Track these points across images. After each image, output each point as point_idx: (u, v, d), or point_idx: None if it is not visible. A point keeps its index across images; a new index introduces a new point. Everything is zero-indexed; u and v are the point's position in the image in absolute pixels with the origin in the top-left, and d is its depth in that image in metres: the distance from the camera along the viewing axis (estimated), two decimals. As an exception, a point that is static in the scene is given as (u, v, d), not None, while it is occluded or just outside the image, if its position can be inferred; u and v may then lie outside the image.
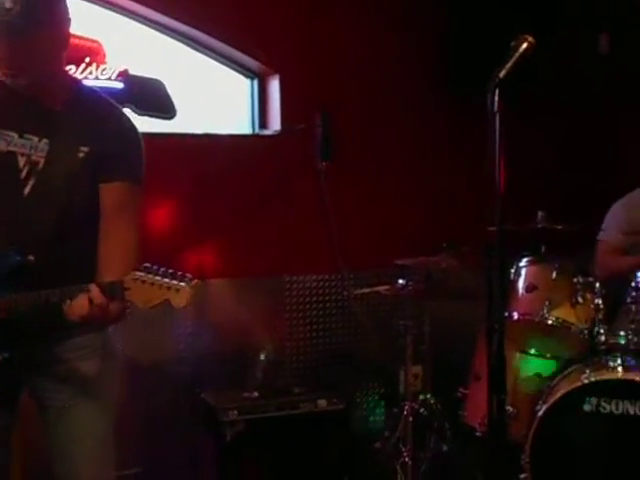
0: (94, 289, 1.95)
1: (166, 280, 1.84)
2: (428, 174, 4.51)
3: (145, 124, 3.87)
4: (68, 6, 2.19)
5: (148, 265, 1.87)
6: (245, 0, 4.08)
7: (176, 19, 3.97)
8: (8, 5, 2.03)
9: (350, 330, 4.36)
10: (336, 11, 4.30)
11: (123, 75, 3.82)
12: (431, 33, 4.44)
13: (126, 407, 3.76)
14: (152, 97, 3.89)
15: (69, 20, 2.18)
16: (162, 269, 1.86)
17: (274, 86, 4.24)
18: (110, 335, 2.36)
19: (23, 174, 2.15)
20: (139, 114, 3.86)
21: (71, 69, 3.67)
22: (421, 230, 4.34)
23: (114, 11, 3.93)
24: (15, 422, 2.38)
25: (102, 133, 2.16)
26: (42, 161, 2.14)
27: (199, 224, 3.99)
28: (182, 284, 1.84)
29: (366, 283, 4.00)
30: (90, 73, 3.74)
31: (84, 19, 3.78)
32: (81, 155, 2.14)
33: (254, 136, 4.32)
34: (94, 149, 2.14)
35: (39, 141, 2.15)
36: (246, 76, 4.32)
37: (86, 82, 3.58)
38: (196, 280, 1.87)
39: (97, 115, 2.20)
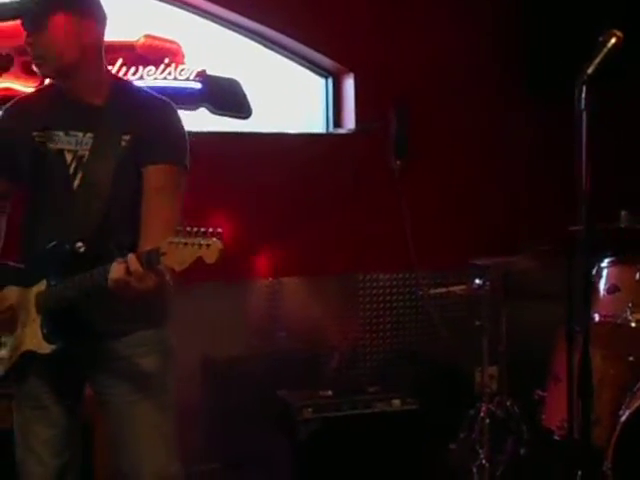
0: (130, 257, 1.98)
1: (197, 239, 1.86)
2: (506, 172, 4.45)
3: (221, 123, 3.98)
4: (100, 3, 2.26)
5: (179, 228, 1.89)
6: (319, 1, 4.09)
7: (251, 18, 4.01)
8: None
9: (424, 329, 4.33)
10: (411, 7, 4.27)
11: (201, 75, 3.87)
12: (511, 27, 4.37)
13: (202, 404, 3.87)
14: (228, 97, 3.94)
15: (98, 14, 2.25)
16: (192, 229, 1.87)
17: (348, 84, 4.24)
18: (168, 332, 2.38)
19: (71, 169, 2.23)
20: (215, 113, 3.95)
21: (150, 70, 3.77)
22: (498, 229, 4.28)
23: (192, 12, 3.98)
24: (78, 417, 2.41)
25: (142, 121, 2.22)
26: (87, 154, 2.22)
27: (273, 222, 4.01)
28: (213, 239, 1.85)
29: (440, 282, 3.97)
30: (169, 73, 3.80)
31: (163, 20, 3.90)
32: (124, 144, 2.21)
33: (328, 135, 4.33)
34: (135, 136, 2.21)
35: (84, 136, 2.23)
36: (320, 75, 4.33)
37: (163, 83, 3.75)
38: (221, 232, 1.87)
39: (136, 105, 2.26)
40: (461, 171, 4.39)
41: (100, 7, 2.27)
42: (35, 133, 2.24)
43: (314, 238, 4.09)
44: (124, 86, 2.37)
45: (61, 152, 2.23)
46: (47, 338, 2.18)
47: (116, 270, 1.98)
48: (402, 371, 4.14)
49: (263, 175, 3.96)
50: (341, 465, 3.62)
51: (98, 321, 2.22)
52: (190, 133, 3.77)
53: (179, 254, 1.86)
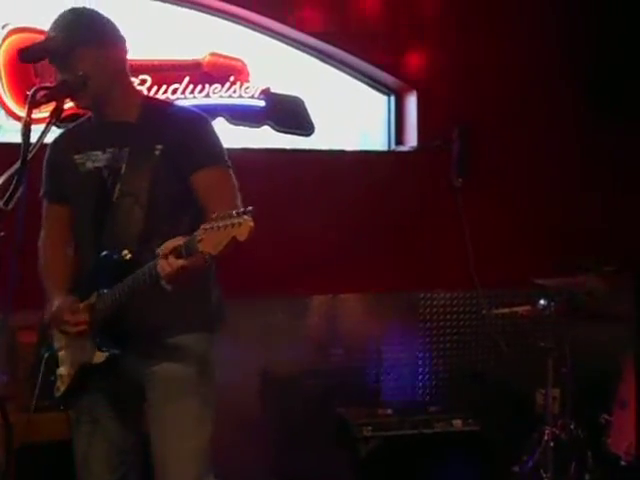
0: (166, 252, 2.01)
1: (229, 220, 1.89)
2: (570, 191, 4.37)
3: (284, 141, 4.01)
4: (116, 28, 2.34)
5: (214, 215, 1.92)
6: (382, 17, 4.11)
7: (314, 36, 4.03)
8: (51, 34, 2.24)
9: (485, 349, 4.27)
10: (475, 26, 4.24)
11: (265, 93, 3.91)
12: (575, 46, 4.32)
13: (261, 419, 3.88)
14: (291, 114, 3.97)
15: (117, 40, 2.32)
16: (225, 212, 1.90)
17: (411, 102, 4.23)
18: (211, 340, 2.40)
19: (109, 182, 2.31)
20: (279, 131, 3.98)
21: (216, 87, 3.81)
22: (563, 248, 4.20)
23: (256, 30, 4.02)
24: (137, 431, 2.44)
25: (174, 130, 2.29)
26: (124, 166, 2.30)
27: (333, 239, 4.00)
28: (244, 217, 1.88)
29: (502, 302, 3.92)
30: (234, 91, 3.85)
31: (228, 39, 3.94)
32: (157, 153, 2.28)
33: (390, 152, 4.32)
34: (168, 146, 2.28)
35: (119, 151, 2.32)
36: (383, 92, 4.32)
37: (228, 100, 3.79)
38: (251, 209, 1.90)
39: (167, 117, 2.34)
40: (523, 189, 4.35)
41: (116, 31, 2.34)
42: (76, 157, 2.34)
43: (374, 255, 4.08)
44: (154, 103, 2.51)
45: (99, 169, 2.32)
46: (100, 347, 2.24)
47: (162, 268, 2.02)
48: (463, 391, 4.10)
49: (324, 192, 3.97)
50: (399, 485, 3.59)
51: (143, 325, 2.26)
52: (252, 150, 3.82)
53: (214, 237, 1.89)
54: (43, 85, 2.09)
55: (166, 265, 1.99)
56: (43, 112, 3.48)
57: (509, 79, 4.28)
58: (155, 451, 2.33)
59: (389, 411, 3.75)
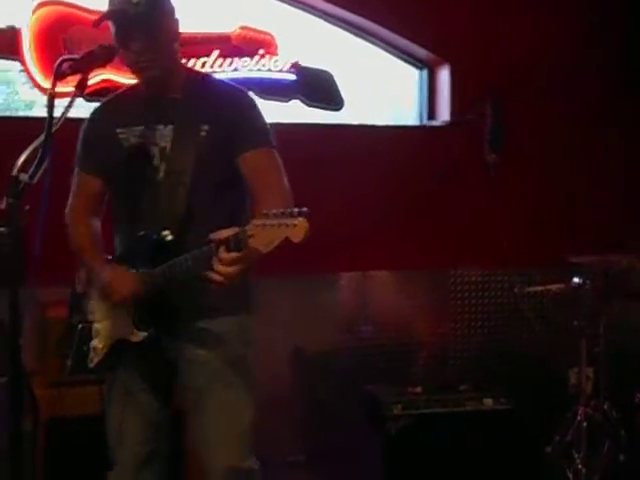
0: (221, 252, 1.97)
1: (283, 219, 1.86)
2: (606, 167, 4.30)
3: (314, 115, 3.98)
4: None
5: (266, 211, 1.89)
6: None
7: (344, 8, 3.98)
8: (134, 0, 2.15)
9: (518, 327, 4.22)
10: None
11: (294, 67, 3.87)
12: (613, 18, 4.24)
13: (291, 396, 3.87)
14: (321, 88, 3.93)
15: (175, 11, 2.29)
16: (278, 211, 1.87)
17: (444, 76, 4.17)
18: (250, 321, 2.38)
19: (155, 161, 2.27)
20: (308, 105, 3.95)
21: (245, 61, 3.78)
22: (598, 226, 4.14)
23: (285, 3, 3.97)
24: (168, 406, 2.42)
25: (220, 111, 2.26)
26: (169, 145, 2.26)
27: (363, 215, 3.97)
28: (299, 219, 1.84)
29: (535, 280, 3.87)
30: (263, 65, 3.82)
31: (257, 12, 3.89)
32: (203, 134, 2.25)
33: (422, 127, 4.27)
34: (214, 126, 2.25)
35: (164, 128, 2.27)
36: (415, 66, 4.28)
37: (258, 74, 3.75)
38: (306, 211, 1.85)
39: (213, 95, 2.30)
40: (559, 165, 4.27)
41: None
42: (119, 130, 2.30)
43: (405, 232, 4.05)
44: (198, 77, 2.43)
45: (144, 145, 2.28)
46: (138, 326, 2.22)
47: (215, 265, 1.98)
48: (494, 370, 4.05)
49: (354, 168, 3.93)
50: (429, 463, 3.57)
51: (185, 307, 2.24)
52: (282, 125, 3.79)
53: (266, 235, 1.86)
54: (68, 56, 2.05)
55: (217, 262, 1.96)
56: (71, 85, 3.63)
57: (544, 51, 4.19)
58: (198, 434, 2.33)
59: (419, 389, 3.71)
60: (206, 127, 2.24)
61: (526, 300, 4.07)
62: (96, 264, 2.33)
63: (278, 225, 1.84)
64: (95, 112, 2.42)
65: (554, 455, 3.52)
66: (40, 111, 3.69)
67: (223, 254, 1.95)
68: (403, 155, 4.01)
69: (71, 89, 3.49)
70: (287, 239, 1.84)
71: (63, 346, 2.41)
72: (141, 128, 2.28)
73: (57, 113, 1.93)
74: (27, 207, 1.82)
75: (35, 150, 1.87)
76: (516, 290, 4.05)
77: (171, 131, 2.26)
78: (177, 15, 2.29)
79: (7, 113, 3.75)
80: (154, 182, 2.26)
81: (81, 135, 2.40)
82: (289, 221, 1.83)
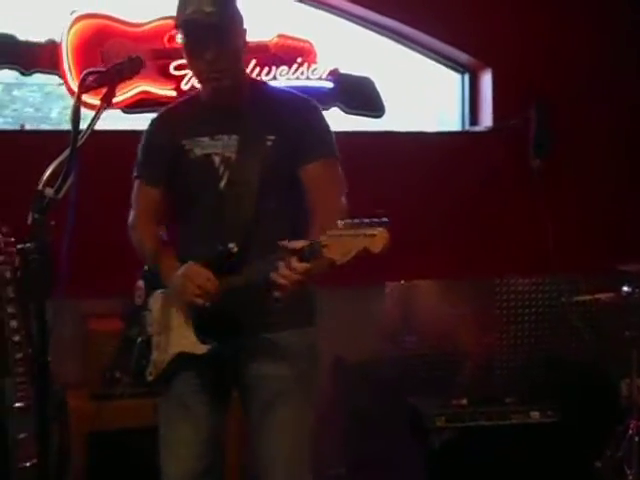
0: (292, 259, 1.93)
1: (360, 229, 1.80)
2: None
3: (354, 122, 3.94)
4: None
5: (340, 221, 1.84)
6: None
7: (384, 14, 3.95)
8: (208, 9, 2.12)
9: (565, 337, 4.12)
10: None
11: (333, 74, 3.84)
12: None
13: (332, 407, 3.83)
14: (361, 95, 3.90)
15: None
16: (355, 220, 1.82)
17: (486, 80, 4.12)
18: (316, 335, 2.32)
19: (220, 171, 2.24)
20: (348, 112, 3.92)
21: (283, 69, 3.77)
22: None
23: (324, 10, 3.96)
24: (224, 420, 2.39)
25: (286, 120, 2.22)
26: (234, 155, 2.23)
27: (405, 223, 3.81)
28: (378, 229, 1.79)
29: (583, 289, 3.77)
30: (302, 73, 3.79)
31: (296, 19, 3.88)
32: (269, 144, 2.22)
33: (464, 133, 4.22)
34: (281, 137, 2.21)
35: (229, 138, 2.24)
36: (456, 71, 4.23)
37: (296, 82, 3.74)
38: (386, 221, 1.81)
39: (279, 106, 2.26)
40: (606, 171, 4.17)
41: None
42: (184, 142, 2.27)
43: (448, 240, 3.99)
44: (261, 86, 2.41)
45: (209, 156, 2.25)
46: (201, 338, 2.18)
47: (282, 276, 1.94)
48: (541, 381, 3.95)
49: (396, 175, 3.88)
50: (473, 478, 3.49)
51: (248, 319, 2.20)
52: None
53: (342, 246, 1.81)
54: (94, 69, 2.03)
55: (286, 270, 1.92)
56: (115, 97, 3.64)
57: (590, 54, 4.11)
58: (260, 452, 2.29)
59: (464, 401, 3.64)
60: (272, 137, 2.21)
61: (574, 309, 3.97)
62: (168, 263, 2.28)
63: (356, 235, 1.79)
64: (155, 122, 2.40)
65: (604, 470, 3.42)
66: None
67: (295, 263, 1.91)
68: (445, 162, 3.96)
69: (113, 101, 3.64)
70: (365, 250, 1.79)
71: (119, 360, 2.39)
72: (206, 139, 2.25)
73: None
74: (52, 222, 1.80)
75: (61, 164, 1.86)
76: (564, 299, 3.97)
77: (236, 141, 2.23)
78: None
79: (60, 127, 3.76)
80: (218, 193, 2.23)
81: (141, 145, 2.38)
82: (368, 231, 1.79)
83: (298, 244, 1.92)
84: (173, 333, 2.25)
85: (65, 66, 3.49)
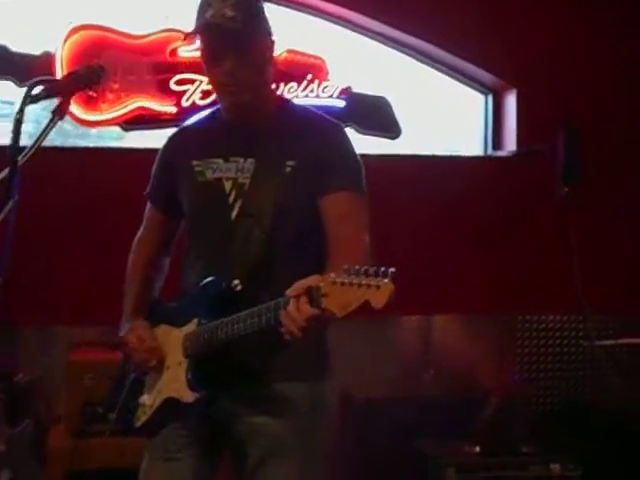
0: (299, 300, 1.68)
1: (364, 278, 1.54)
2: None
3: (368, 144, 3.79)
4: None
5: (346, 266, 1.58)
6: (476, 10, 3.82)
7: (402, 30, 3.82)
8: (230, 14, 1.90)
9: (591, 381, 3.93)
10: (581, 16, 3.91)
11: (345, 93, 3.70)
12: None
13: (337, 448, 3.61)
14: (375, 115, 3.76)
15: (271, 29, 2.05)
16: (359, 267, 1.56)
17: (510, 101, 3.97)
18: (326, 390, 2.07)
19: (231, 198, 2.03)
20: (361, 133, 3.79)
21: (292, 87, 3.63)
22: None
23: (338, 24, 3.82)
24: (214, 476, 2.16)
25: (309, 145, 2.00)
26: (248, 182, 2.02)
27: (423, 254, 3.76)
28: (383, 280, 1.52)
29: (613, 329, 3.64)
30: (311, 91, 3.65)
31: (308, 34, 3.76)
32: (288, 170, 1.99)
33: (487, 158, 4.08)
34: (301, 163, 1.99)
35: (244, 162, 2.03)
36: (479, 91, 4.09)
37: (305, 100, 3.58)
38: (393, 271, 1.53)
39: (302, 128, 2.04)
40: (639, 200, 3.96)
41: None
42: (195, 162, 2.07)
43: (469, 272, 3.83)
44: (288, 106, 2.15)
45: (219, 180, 2.04)
46: (191, 385, 1.96)
47: (288, 319, 1.69)
48: (564, 428, 3.71)
49: (413, 203, 3.74)
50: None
51: (247, 367, 1.98)
52: None
53: (342, 296, 1.56)
54: (44, 77, 1.83)
55: (295, 312, 1.67)
56: (110, 112, 3.51)
57: (622, 73, 3.93)
58: None
59: (477, 449, 3.41)
60: (291, 162, 1.98)
61: (602, 350, 3.77)
62: (127, 311, 2.13)
63: (358, 285, 1.54)
64: (171, 139, 2.21)
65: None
66: (95, 141, 3.63)
67: (303, 306, 1.65)
68: (466, 189, 3.79)
69: (108, 117, 3.49)
70: (367, 303, 1.53)
71: (113, 396, 2.19)
72: (219, 161, 2.04)
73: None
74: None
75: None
76: (590, 340, 3.77)
77: (252, 165, 2.02)
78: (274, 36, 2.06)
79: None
80: (228, 222, 2.01)
81: (156, 162, 2.20)
82: (372, 281, 1.53)
83: (307, 283, 1.65)
84: (166, 374, 2.04)
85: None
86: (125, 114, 3.41)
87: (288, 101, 2.24)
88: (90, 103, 3.37)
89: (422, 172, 3.78)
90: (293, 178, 1.97)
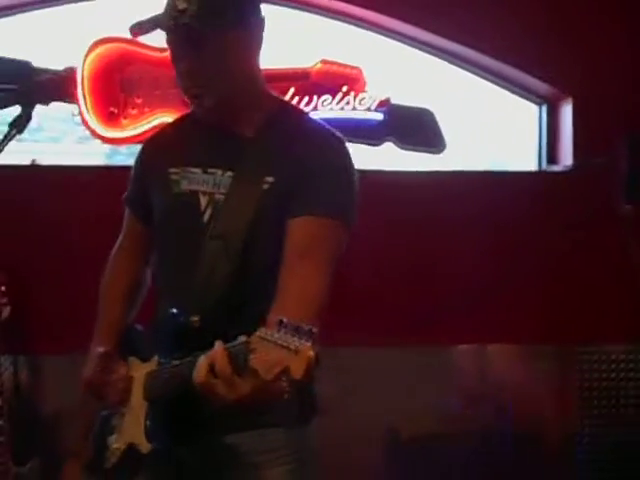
0: (217, 351, 1.46)
1: (291, 338, 1.32)
2: None
3: (410, 160, 3.69)
4: (258, 5, 1.79)
5: (284, 320, 1.34)
6: (528, 15, 3.64)
7: (447, 38, 3.68)
8: (181, 6, 1.68)
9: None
10: None
11: (384, 105, 3.54)
12: None
13: None
14: (417, 129, 3.60)
15: (260, 21, 1.78)
16: (294, 322, 1.33)
17: (567, 112, 3.78)
18: (300, 435, 1.83)
19: (206, 217, 1.80)
20: (402, 148, 3.65)
21: (326, 99, 3.48)
22: None
23: (376, 32, 3.70)
24: None
25: (291, 160, 1.74)
26: (223, 197, 1.78)
27: (472, 279, 3.56)
28: (303, 343, 1.30)
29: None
30: (347, 103, 3.49)
31: (344, 43, 3.65)
32: (265, 187, 1.73)
33: (541, 173, 3.90)
34: (281, 179, 1.73)
35: (222, 174, 1.79)
36: (533, 102, 3.92)
37: (340, 114, 3.44)
38: (314, 332, 1.31)
39: (291, 140, 1.77)
40: None
41: (258, 7, 1.81)
42: (171, 170, 1.85)
43: (523, 298, 3.62)
44: (284, 114, 1.88)
45: (195, 194, 1.81)
46: (147, 434, 1.76)
47: (199, 368, 1.50)
48: (629, 473, 3.46)
49: (460, 224, 3.54)
50: None
51: (210, 414, 1.70)
52: (370, 172, 3.41)
53: (267, 356, 1.35)
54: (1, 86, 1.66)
55: (203, 370, 1.47)
56: (132, 129, 3.38)
57: None
58: None
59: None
60: (270, 179, 1.74)
61: None
62: (99, 335, 1.93)
63: (282, 346, 1.33)
64: (145, 145, 2.02)
65: None
66: (122, 160, 3.56)
67: (219, 363, 1.45)
68: (519, 207, 3.60)
69: (130, 134, 3.36)
70: (288, 371, 1.32)
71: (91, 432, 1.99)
72: (198, 171, 1.82)
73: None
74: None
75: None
76: None
77: (230, 179, 1.78)
78: (262, 25, 1.78)
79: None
80: (197, 244, 1.79)
81: (134, 164, 2.01)
82: (295, 343, 1.31)
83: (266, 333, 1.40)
84: (130, 414, 1.83)
85: (80, 96, 3.25)
86: (147, 131, 3.26)
87: (289, 108, 1.97)
88: (111, 119, 3.27)
89: (470, 190, 3.59)
90: (269, 197, 1.73)
